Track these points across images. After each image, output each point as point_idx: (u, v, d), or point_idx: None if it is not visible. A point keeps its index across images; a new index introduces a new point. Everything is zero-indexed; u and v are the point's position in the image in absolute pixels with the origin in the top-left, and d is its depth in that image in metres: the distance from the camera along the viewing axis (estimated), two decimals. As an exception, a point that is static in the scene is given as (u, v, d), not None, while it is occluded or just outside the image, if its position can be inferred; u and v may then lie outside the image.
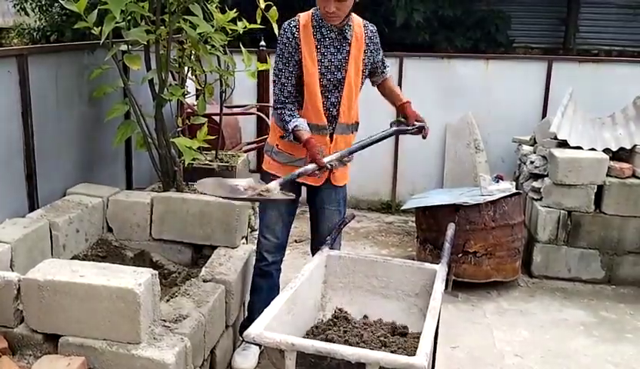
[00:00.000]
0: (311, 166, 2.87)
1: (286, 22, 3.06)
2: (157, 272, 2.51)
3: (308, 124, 3.00)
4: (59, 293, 2.38)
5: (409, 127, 3.24)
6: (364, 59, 3.11)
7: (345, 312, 2.74)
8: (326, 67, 3.03)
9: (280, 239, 3.25)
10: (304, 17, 3.04)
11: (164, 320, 2.58)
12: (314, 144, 2.90)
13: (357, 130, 3.24)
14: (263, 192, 2.75)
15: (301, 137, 2.92)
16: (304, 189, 3.26)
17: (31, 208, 3.37)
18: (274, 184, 2.79)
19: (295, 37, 2.99)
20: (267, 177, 3.13)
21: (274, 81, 3.08)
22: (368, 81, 3.30)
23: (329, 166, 2.90)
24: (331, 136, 3.10)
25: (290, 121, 2.97)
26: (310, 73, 2.99)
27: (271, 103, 5.50)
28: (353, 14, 3.08)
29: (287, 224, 3.28)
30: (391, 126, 3.28)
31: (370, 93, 3.42)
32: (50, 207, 3.37)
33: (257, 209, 4.26)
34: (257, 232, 3.45)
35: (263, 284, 3.27)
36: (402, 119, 3.31)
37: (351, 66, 3.06)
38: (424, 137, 3.28)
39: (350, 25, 3.05)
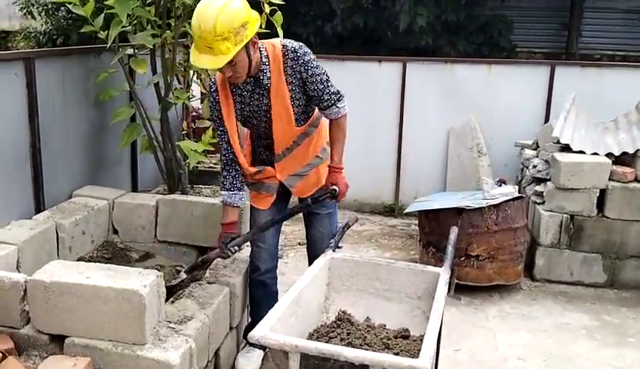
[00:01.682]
0: (214, 253, 3.09)
1: (209, 84, 3.02)
2: (162, 274, 2.54)
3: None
4: (65, 294, 2.40)
5: (321, 194, 3.09)
6: (291, 89, 2.87)
7: (349, 314, 2.75)
8: (253, 118, 2.96)
9: (271, 246, 3.24)
10: (219, 75, 2.88)
11: (169, 322, 2.60)
12: (223, 233, 3.05)
13: (308, 135, 3.08)
14: (174, 281, 3.07)
15: (222, 216, 3.09)
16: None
17: (38, 210, 3.40)
18: (182, 273, 3.11)
19: (216, 100, 2.93)
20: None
21: (218, 141, 3.06)
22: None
23: (229, 253, 3.03)
24: (273, 166, 3.07)
25: (221, 190, 3.09)
26: (231, 134, 2.95)
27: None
28: (272, 42, 2.87)
29: (276, 231, 3.26)
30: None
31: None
32: (56, 209, 3.40)
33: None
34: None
35: (260, 293, 3.27)
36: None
37: (276, 109, 2.90)
38: (337, 201, 3.19)
39: (264, 69, 2.83)
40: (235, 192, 3.05)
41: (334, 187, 3.08)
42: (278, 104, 2.89)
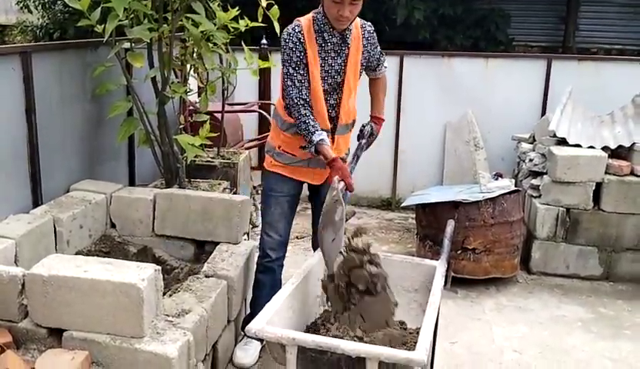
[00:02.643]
0: (341, 185, 2.71)
1: (289, 27, 3.03)
2: (160, 268, 2.54)
3: None
4: (63, 288, 2.40)
5: (365, 138, 3.24)
6: (361, 60, 3.12)
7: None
8: (327, 71, 3.04)
9: (283, 236, 3.28)
10: (305, 21, 3.02)
11: (167, 315, 2.61)
12: (341, 166, 2.82)
13: (354, 126, 3.27)
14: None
15: (327, 155, 2.85)
16: (305, 185, 3.29)
17: (35, 204, 3.40)
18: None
19: (301, 42, 2.96)
20: (269, 176, 3.23)
21: (289, 86, 2.97)
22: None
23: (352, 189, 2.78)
24: (332, 138, 3.12)
25: (315, 132, 2.89)
26: (314, 78, 3.00)
27: (273, 101, 5.55)
28: None
29: (289, 221, 3.31)
30: (358, 139, 3.28)
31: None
32: (54, 203, 3.40)
33: (258, 205, 4.30)
34: (258, 228, 3.48)
35: (266, 280, 3.30)
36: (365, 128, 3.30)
37: (349, 69, 3.07)
38: (369, 141, 3.28)
39: (350, 29, 3.05)
40: (323, 130, 2.95)
41: (371, 129, 3.25)
42: (351, 66, 3.07)
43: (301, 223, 4.91)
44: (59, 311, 2.44)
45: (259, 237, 3.36)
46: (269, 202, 3.26)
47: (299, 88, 2.97)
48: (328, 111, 3.08)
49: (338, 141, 3.15)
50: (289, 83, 2.98)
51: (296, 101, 2.96)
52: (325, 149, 2.86)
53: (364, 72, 3.26)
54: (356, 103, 3.23)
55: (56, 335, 2.47)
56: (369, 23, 3.19)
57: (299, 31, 2.97)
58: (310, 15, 3.05)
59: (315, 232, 3.40)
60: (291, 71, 2.98)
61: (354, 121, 3.24)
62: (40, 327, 2.48)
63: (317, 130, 2.90)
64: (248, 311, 3.42)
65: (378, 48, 3.25)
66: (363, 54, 3.12)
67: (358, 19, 3.10)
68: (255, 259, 3.39)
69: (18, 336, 2.50)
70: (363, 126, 3.29)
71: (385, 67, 3.34)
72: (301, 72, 2.98)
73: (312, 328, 2.62)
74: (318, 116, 3.01)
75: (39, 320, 2.48)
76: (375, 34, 3.20)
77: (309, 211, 3.48)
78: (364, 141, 3.23)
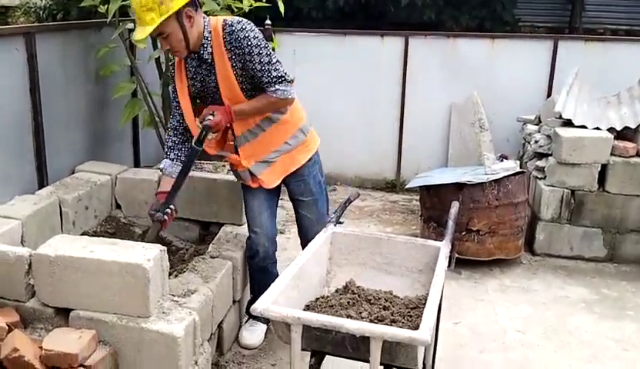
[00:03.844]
0: (151, 228, 2.98)
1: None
2: (165, 248, 2.56)
3: None
4: (70, 268, 2.42)
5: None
6: (233, 66, 2.80)
7: (357, 286, 2.75)
8: (203, 91, 2.95)
9: (267, 229, 3.15)
10: None
11: (172, 295, 2.63)
12: (154, 202, 2.97)
13: (273, 121, 2.98)
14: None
15: (160, 184, 3.04)
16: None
17: (41, 185, 3.42)
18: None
19: (173, 76, 3.00)
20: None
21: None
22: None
23: (161, 217, 2.89)
24: (236, 150, 3.03)
25: (166, 157, 3.03)
26: (183, 106, 2.95)
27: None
28: (217, 17, 2.85)
29: (272, 213, 3.20)
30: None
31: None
32: (59, 184, 3.42)
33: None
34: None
35: (261, 277, 3.20)
36: None
37: (222, 84, 2.85)
38: (209, 130, 2.91)
39: (205, 44, 2.80)
40: (178, 164, 2.99)
41: (210, 116, 2.82)
42: (223, 80, 2.85)
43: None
44: (66, 291, 2.46)
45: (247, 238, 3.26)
46: (245, 197, 3.20)
47: (174, 111, 3.02)
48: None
49: (244, 150, 3.00)
50: (172, 109, 3.06)
51: (169, 125, 3.07)
52: (161, 179, 3.05)
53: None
54: None
55: (63, 314, 2.50)
56: (231, 21, 2.77)
57: (172, 64, 2.99)
58: None
59: (299, 226, 3.33)
60: (172, 97, 3.05)
61: (267, 118, 2.98)
62: (47, 306, 2.51)
63: (166, 157, 3.02)
64: (251, 296, 3.42)
65: (257, 50, 2.75)
66: (233, 59, 2.79)
67: (219, 24, 2.78)
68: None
69: (26, 315, 2.52)
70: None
71: (279, 89, 2.80)
72: (176, 101, 2.99)
73: (318, 306, 2.62)
74: (194, 134, 2.98)
75: (46, 299, 2.50)
76: (240, 33, 2.74)
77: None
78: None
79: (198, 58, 2.86)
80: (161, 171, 3.03)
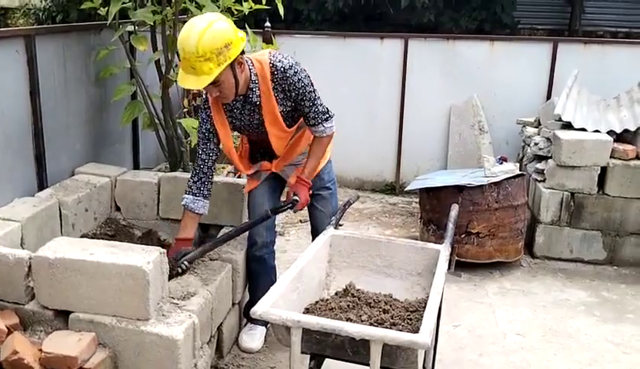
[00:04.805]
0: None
1: (202, 99, 3.01)
2: (165, 251, 2.56)
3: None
4: (69, 270, 2.42)
5: (282, 206, 3.07)
6: (280, 105, 2.88)
7: (357, 289, 2.76)
8: (247, 131, 3.01)
9: (268, 220, 3.17)
10: None
11: (172, 298, 2.63)
12: (175, 248, 2.90)
13: (300, 128, 3.08)
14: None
15: (180, 227, 2.99)
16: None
17: (41, 187, 3.42)
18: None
19: (209, 116, 2.93)
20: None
21: (197, 151, 3.03)
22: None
23: (179, 270, 2.83)
24: (270, 160, 3.14)
25: (187, 192, 2.98)
26: (223, 137, 2.95)
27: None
28: (260, 59, 2.84)
29: (273, 204, 3.22)
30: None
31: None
32: (59, 186, 3.41)
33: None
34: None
35: (258, 269, 3.27)
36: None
37: (269, 124, 2.92)
38: (294, 212, 3.12)
39: (253, 88, 2.84)
40: (200, 199, 2.97)
41: (295, 197, 3.01)
42: (269, 119, 2.91)
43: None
44: (65, 293, 2.45)
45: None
46: (249, 196, 3.25)
47: (202, 153, 2.96)
48: (261, 150, 3.12)
49: (279, 160, 3.13)
50: (198, 149, 3.00)
51: (195, 165, 3.02)
52: (182, 216, 2.99)
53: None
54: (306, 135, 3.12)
55: (62, 317, 2.49)
56: (283, 67, 2.81)
57: (207, 107, 2.92)
58: None
59: (313, 220, 3.38)
60: (200, 136, 2.99)
61: (297, 128, 3.07)
62: (46, 309, 2.50)
63: (188, 193, 2.97)
64: (249, 298, 3.42)
65: (308, 94, 2.87)
66: (283, 100, 2.87)
67: (267, 67, 2.82)
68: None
69: (25, 318, 2.52)
70: (281, 205, 3.11)
71: (326, 127, 2.97)
72: (204, 145, 2.95)
73: (318, 310, 2.62)
74: (239, 168, 3.08)
75: (46, 302, 2.50)
76: (292, 78, 2.82)
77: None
78: (282, 208, 3.08)
79: (243, 99, 2.88)
80: (184, 207, 2.98)
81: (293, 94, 2.85)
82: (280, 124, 2.93)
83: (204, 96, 2.97)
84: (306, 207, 3.19)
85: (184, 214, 2.99)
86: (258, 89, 2.84)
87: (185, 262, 2.83)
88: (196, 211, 2.97)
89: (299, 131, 3.10)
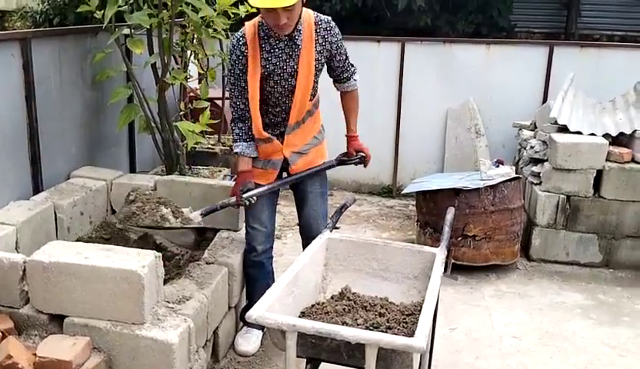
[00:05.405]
0: (232, 200, 3.09)
1: (234, 37, 3.01)
2: (160, 254, 2.55)
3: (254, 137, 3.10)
4: (64, 274, 2.42)
5: (351, 159, 3.33)
6: (317, 58, 2.99)
7: (353, 292, 2.76)
8: (279, 75, 2.99)
9: (267, 227, 3.24)
10: (250, 29, 2.96)
11: (167, 302, 2.62)
12: (241, 181, 3.09)
13: (312, 113, 3.18)
14: (184, 220, 3.03)
15: (240, 166, 3.13)
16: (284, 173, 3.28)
17: (36, 191, 3.41)
18: (195, 214, 3.12)
19: (244, 54, 2.95)
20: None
21: (230, 96, 3.13)
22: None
23: (246, 202, 3.04)
24: (282, 136, 3.13)
25: (235, 142, 3.12)
26: (252, 94, 2.98)
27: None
28: (305, 10, 2.96)
29: (272, 211, 3.29)
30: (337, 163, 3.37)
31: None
32: (54, 189, 3.41)
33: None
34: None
35: (257, 273, 3.29)
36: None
37: (302, 72, 2.98)
38: (364, 166, 3.36)
39: (299, 29, 2.93)
40: (250, 143, 3.10)
41: (361, 153, 3.28)
42: (304, 68, 2.97)
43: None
44: (60, 298, 2.45)
45: (245, 232, 3.32)
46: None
47: (237, 99, 3.05)
48: (279, 113, 3.09)
49: (288, 139, 3.14)
50: (229, 93, 3.10)
51: (232, 111, 3.13)
52: (239, 160, 3.13)
53: (333, 83, 3.23)
54: (316, 89, 3.17)
55: (57, 321, 2.49)
56: (327, 18, 3.01)
57: (243, 43, 2.95)
58: (256, 20, 2.98)
59: (300, 222, 3.39)
60: (232, 80, 3.05)
61: (309, 111, 3.16)
62: (41, 313, 2.50)
63: (239, 140, 3.10)
64: (247, 302, 3.42)
65: (343, 49, 3.09)
66: (320, 52, 2.99)
67: (312, 15, 2.97)
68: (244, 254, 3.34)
69: (20, 322, 2.52)
70: (348, 158, 3.33)
71: (355, 80, 3.21)
72: (242, 85, 3.00)
73: (314, 313, 2.62)
74: (255, 128, 3.06)
75: (40, 306, 2.49)
76: (334, 30, 3.01)
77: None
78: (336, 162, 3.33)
79: (288, 40, 2.94)
80: (237, 154, 3.11)
81: (332, 45, 3.01)
82: (309, 80, 2.99)
83: (239, 32, 3.00)
84: (296, 210, 3.34)
85: (239, 159, 3.13)
86: (302, 34, 2.94)
87: (253, 197, 3.03)
88: (252, 156, 3.11)
89: (309, 117, 3.15)
